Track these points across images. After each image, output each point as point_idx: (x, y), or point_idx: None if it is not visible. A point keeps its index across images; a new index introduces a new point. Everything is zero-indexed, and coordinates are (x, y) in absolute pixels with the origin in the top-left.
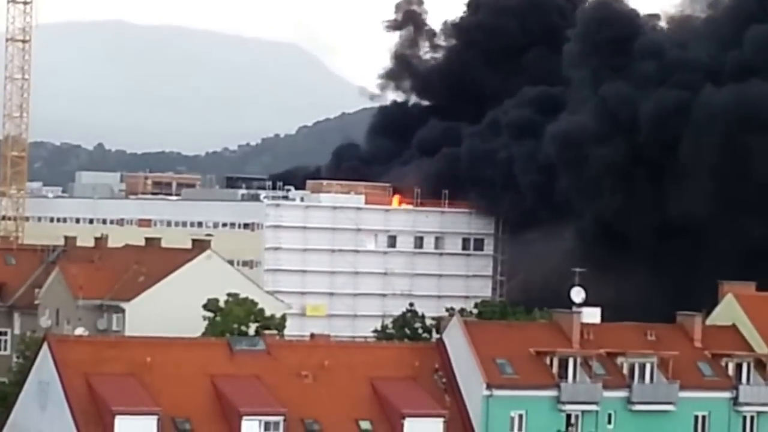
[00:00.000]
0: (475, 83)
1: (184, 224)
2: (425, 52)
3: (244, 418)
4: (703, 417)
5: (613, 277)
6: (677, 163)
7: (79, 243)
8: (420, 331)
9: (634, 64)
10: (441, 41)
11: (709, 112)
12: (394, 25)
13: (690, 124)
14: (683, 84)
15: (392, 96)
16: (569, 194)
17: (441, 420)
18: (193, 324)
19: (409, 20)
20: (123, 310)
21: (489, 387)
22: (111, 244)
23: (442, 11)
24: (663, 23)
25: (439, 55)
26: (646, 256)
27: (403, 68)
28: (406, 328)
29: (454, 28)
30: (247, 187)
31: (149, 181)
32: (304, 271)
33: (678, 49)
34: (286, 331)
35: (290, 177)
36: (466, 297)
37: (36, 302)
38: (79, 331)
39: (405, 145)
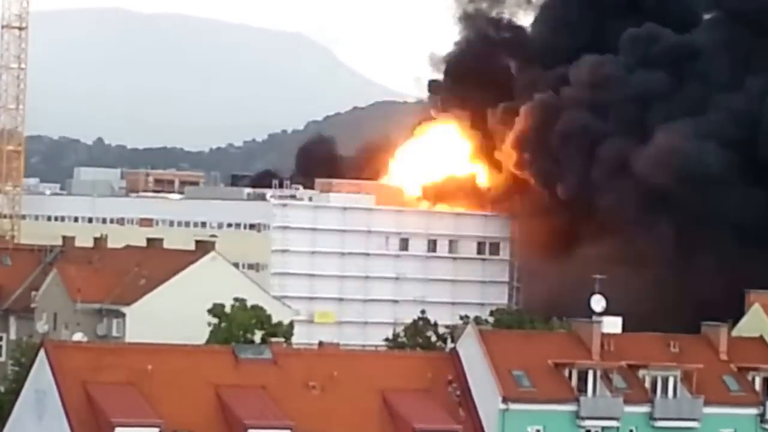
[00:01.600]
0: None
1: (188, 224)
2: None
3: (249, 430)
4: None
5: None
6: None
7: (77, 243)
8: (433, 339)
9: None
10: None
11: None
12: None
13: None
14: None
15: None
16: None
17: None
18: (197, 330)
19: None
20: (123, 315)
21: (505, 400)
22: (111, 244)
23: None
24: None
25: (525, 23)
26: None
27: (477, 35)
28: (419, 336)
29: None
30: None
31: (151, 179)
32: (312, 275)
33: None
34: (294, 339)
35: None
36: (482, 304)
37: (32, 306)
38: (78, 336)
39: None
